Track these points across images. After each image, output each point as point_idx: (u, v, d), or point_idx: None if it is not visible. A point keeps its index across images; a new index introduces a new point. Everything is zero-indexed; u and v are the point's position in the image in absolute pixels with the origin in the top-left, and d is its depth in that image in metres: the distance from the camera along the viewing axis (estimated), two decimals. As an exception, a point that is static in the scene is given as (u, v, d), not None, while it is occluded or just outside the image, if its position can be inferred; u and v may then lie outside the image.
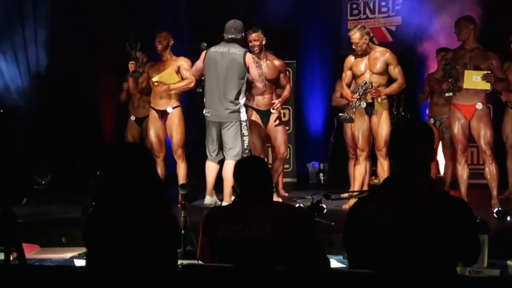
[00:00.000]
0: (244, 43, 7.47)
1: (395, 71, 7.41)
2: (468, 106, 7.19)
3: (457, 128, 7.27)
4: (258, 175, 3.76)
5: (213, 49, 7.35)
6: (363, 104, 7.35)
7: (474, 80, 7.02)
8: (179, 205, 5.46)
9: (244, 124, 7.26)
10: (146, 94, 8.55)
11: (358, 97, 7.33)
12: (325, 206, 6.31)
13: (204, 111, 7.38)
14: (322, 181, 10.82)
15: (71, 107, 10.54)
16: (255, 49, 7.58)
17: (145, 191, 3.36)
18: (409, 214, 2.99)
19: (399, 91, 7.73)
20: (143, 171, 3.38)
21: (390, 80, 7.50)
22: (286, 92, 7.91)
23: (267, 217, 3.60)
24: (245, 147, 7.24)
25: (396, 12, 11.03)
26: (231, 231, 3.58)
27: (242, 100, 7.27)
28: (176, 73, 7.79)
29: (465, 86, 7.08)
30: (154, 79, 7.76)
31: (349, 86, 7.60)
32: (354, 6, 11.33)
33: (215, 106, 7.27)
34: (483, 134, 7.15)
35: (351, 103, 7.41)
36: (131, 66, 8.00)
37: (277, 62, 7.79)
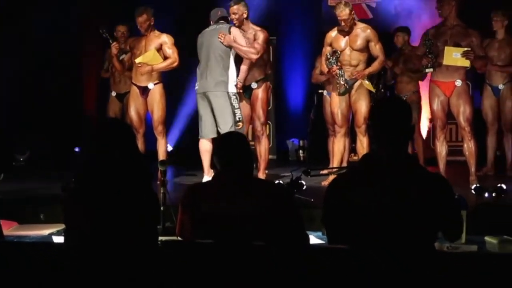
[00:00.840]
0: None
1: (376, 48, 7.38)
2: (447, 83, 7.20)
3: (436, 105, 7.28)
4: (238, 151, 3.75)
5: (204, 30, 7.49)
6: (344, 75, 7.30)
7: (454, 56, 7.05)
8: (158, 182, 5.45)
9: (233, 97, 7.26)
10: (127, 70, 8.50)
11: (337, 67, 7.31)
12: (304, 183, 6.32)
13: (195, 87, 7.47)
14: (302, 158, 10.84)
15: (51, 82, 10.47)
16: (234, 22, 7.51)
17: (126, 168, 3.35)
18: (387, 190, 3.00)
19: (380, 68, 7.68)
20: (124, 147, 3.37)
21: (370, 57, 7.48)
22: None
23: (247, 193, 3.60)
24: (238, 119, 7.24)
25: (377, -12, 11.03)
26: (211, 207, 3.58)
27: (230, 73, 7.28)
28: (158, 50, 7.75)
29: (444, 62, 7.10)
30: (137, 60, 7.72)
31: None
32: (335, -18, 11.31)
33: (203, 78, 7.35)
34: (462, 111, 7.17)
35: (336, 78, 7.36)
36: (115, 48, 7.97)
37: (257, 34, 7.50)
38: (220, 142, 3.92)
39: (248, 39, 7.37)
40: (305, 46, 11.19)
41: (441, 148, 7.33)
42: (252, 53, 7.32)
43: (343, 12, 7.27)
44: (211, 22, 7.51)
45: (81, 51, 10.93)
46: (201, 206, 3.61)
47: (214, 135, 7.33)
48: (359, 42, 7.35)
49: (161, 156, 7.66)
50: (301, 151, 10.96)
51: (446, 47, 7.08)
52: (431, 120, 7.92)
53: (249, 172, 3.80)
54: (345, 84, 7.32)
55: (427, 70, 7.28)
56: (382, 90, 8.92)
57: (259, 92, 7.65)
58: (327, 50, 7.53)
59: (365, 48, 7.38)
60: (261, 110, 7.67)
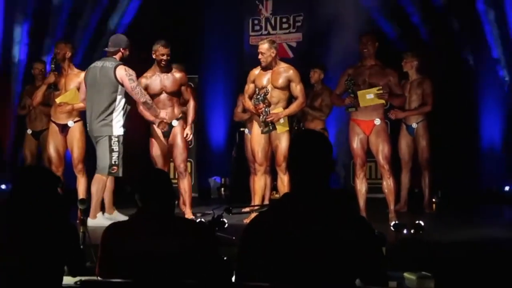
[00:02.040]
0: (128, 57, 7.35)
1: (297, 88, 7.42)
2: (367, 122, 7.35)
3: (356, 143, 7.41)
4: (160, 188, 3.73)
5: (92, 65, 7.37)
6: (269, 113, 7.34)
7: (368, 98, 7.22)
8: (77, 221, 5.36)
9: (115, 139, 7.17)
10: (43, 106, 8.38)
11: (263, 105, 7.33)
12: (226, 221, 6.32)
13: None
14: (224, 195, 10.84)
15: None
16: (162, 63, 7.51)
17: (43, 208, 3.42)
18: (308, 228, 2.96)
19: (298, 110, 7.75)
20: (42, 192, 3.47)
21: (291, 96, 7.55)
22: (191, 113, 7.74)
23: (168, 231, 3.58)
24: (113, 163, 7.17)
25: (297, 28, 11.24)
26: (132, 245, 3.54)
27: (116, 115, 7.18)
28: (78, 89, 7.67)
29: (361, 105, 7.26)
30: (58, 100, 7.65)
31: (251, 98, 7.62)
32: (256, 22, 11.50)
33: (90, 120, 7.28)
34: (381, 149, 7.32)
35: (261, 117, 7.37)
36: (52, 77, 7.82)
37: (177, 75, 7.67)
38: (141, 179, 3.88)
39: (135, 80, 7.19)
40: (227, 84, 11.28)
41: (361, 186, 7.44)
42: (138, 101, 7.29)
43: (262, 45, 7.40)
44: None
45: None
46: (122, 245, 3.57)
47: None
48: (281, 81, 7.41)
49: (81, 194, 7.56)
50: (223, 189, 10.98)
51: (358, 92, 7.25)
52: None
53: (170, 210, 3.78)
54: (270, 124, 7.36)
55: (349, 110, 7.39)
56: (303, 128, 9.04)
57: (179, 129, 7.66)
58: (250, 87, 7.59)
59: (286, 87, 7.43)
60: (182, 147, 7.68)
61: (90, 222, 6.94)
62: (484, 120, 10.59)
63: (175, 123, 7.66)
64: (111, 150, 7.15)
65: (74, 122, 7.73)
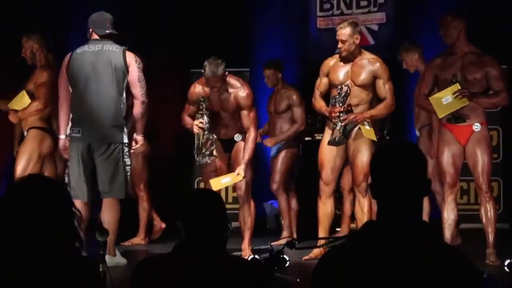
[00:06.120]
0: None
1: (385, 88, 7.36)
2: (462, 127, 7.27)
3: (446, 157, 7.33)
4: (213, 215, 3.66)
5: (79, 50, 7.16)
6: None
7: (445, 103, 7.05)
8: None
9: (126, 149, 7.13)
10: None
11: (342, 109, 7.23)
12: (287, 258, 6.32)
13: (68, 130, 7.18)
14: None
15: None
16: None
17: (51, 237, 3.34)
18: (397, 271, 2.93)
19: (387, 114, 7.65)
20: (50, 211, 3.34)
21: (374, 98, 7.45)
22: (249, 144, 7.57)
23: (217, 273, 3.54)
24: (128, 180, 7.21)
25: (378, 7, 11.12)
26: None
27: (125, 116, 7.13)
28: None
29: (439, 115, 7.17)
30: (10, 105, 7.85)
31: (323, 97, 7.56)
32: (325, -1, 11.42)
33: (90, 123, 7.07)
34: (480, 164, 7.23)
35: (334, 120, 7.30)
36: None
37: (241, 93, 7.55)
38: (190, 202, 3.76)
39: (141, 70, 7.16)
40: (287, 79, 11.24)
41: (449, 213, 7.22)
42: (138, 97, 7.16)
43: (342, 31, 7.34)
44: (92, 32, 7.21)
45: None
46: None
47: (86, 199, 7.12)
48: (364, 76, 7.34)
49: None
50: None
51: (430, 98, 7.13)
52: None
53: (221, 245, 3.71)
54: (341, 134, 7.25)
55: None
56: (387, 138, 8.96)
57: (242, 146, 7.62)
58: (322, 83, 7.52)
59: (370, 85, 7.37)
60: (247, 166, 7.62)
61: (109, 260, 6.98)
62: None
63: (238, 137, 7.68)
64: (124, 164, 7.10)
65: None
